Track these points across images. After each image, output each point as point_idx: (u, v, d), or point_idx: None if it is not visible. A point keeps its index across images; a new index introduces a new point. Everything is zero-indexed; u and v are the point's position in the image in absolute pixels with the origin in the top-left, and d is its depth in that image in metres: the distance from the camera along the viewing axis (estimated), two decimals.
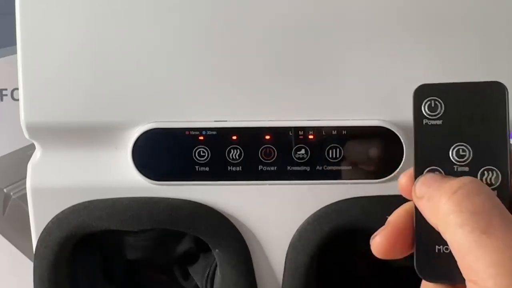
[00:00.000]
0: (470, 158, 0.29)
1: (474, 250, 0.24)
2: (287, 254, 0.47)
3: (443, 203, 0.26)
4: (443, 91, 0.29)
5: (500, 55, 0.43)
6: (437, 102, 0.29)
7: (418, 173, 0.29)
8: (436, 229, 0.27)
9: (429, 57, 0.43)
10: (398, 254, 0.30)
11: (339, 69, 0.43)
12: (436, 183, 0.27)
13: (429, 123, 0.29)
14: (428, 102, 0.29)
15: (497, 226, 0.24)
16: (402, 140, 0.43)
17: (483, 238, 0.24)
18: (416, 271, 0.29)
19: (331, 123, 0.44)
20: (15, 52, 0.43)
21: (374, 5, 0.42)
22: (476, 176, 0.28)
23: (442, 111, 0.29)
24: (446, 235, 0.26)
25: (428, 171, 0.29)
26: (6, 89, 0.88)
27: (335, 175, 0.45)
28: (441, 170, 0.29)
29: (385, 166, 0.44)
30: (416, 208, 0.29)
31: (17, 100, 0.44)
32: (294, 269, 0.47)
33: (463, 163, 0.29)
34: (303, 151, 0.44)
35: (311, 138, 0.44)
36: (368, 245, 0.30)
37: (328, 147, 0.44)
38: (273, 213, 0.46)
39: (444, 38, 0.43)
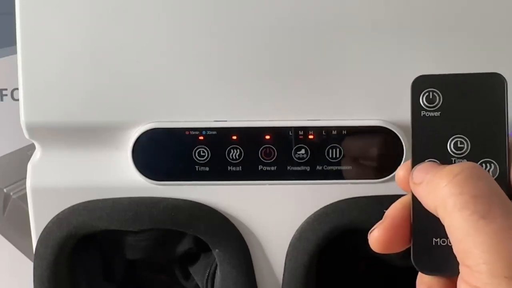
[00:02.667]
0: (468, 151, 0.28)
1: (471, 234, 0.24)
2: (287, 254, 0.47)
3: (442, 186, 0.26)
4: (442, 82, 0.29)
5: (502, 56, 0.43)
6: (435, 94, 0.29)
7: (415, 164, 0.29)
8: (434, 213, 0.27)
9: (429, 57, 0.43)
10: (395, 248, 0.29)
11: (339, 69, 0.43)
12: (435, 169, 0.27)
13: (427, 115, 0.29)
14: (426, 94, 0.29)
15: (496, 212, 0.24)
16: (402, 140, 0.43)
17: (481, 223, 0.24)
18: (413, 263, 0.29)
19: (331, 123, 0.44)
20: (15, 52, 0.43)
21: (375, 5, 0.42)
22: None
23: (440, 102, 0.29)
24: (444, 219, 0.26)
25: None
26: (6, 89, 0.88)
27: (335, 175, 0.45)
28: (438, 163, 0.29)
29: (385, 166, 0.44)
30: (413, 200, 0.29)
31: (17, 100, 0.44)
32: (294, 269, 0.47)
33: (461, 156, 0.29)
34: (303, 151, 0.44)
35: (311, 138, 0.44)
36: (368, 245, 0.30)
37: (328, 147, 0.44)
38: (273, 213, 0.46)
39: (444, 38, 0.43)
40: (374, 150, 0.44)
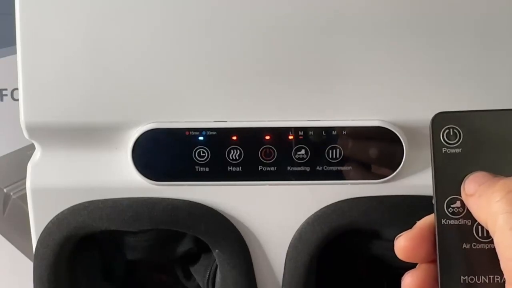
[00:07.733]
0: None
1: None
2: (287, 254, 0.47)
3: (495, 201, 0.25)
4: (461, 119, 0.29)
5: (500, 57, 0.43)
6: (455, 131, 0.29)
7: (439, 202, 0.29)
8: (485, 226, 0.26)
9: (429, 57, 0.43)
10: (419, 259, 0.29)
11: (339, 69, 0.43)
12: (488, 181, 0.27)
13: (448, 152, 0.29)
14: (447, 131, 0.29)
15: None
16: (402, 140, 0.43)
17: None
18: None
19: (331, 123, 0.44)
20: (15, 52, 0.43)
21: (375, 6, 0.42)
22: None
23: (461, 139, 0.29)
24: (493, 234, 0.25)
25: (449, 200, 0.29)
26: (6, 89, 0.88)
27: (335, 176, 0.45)
28: (462, 199, 0.28)
29: (385, 166, 0.44)
30: (439, 237, 0.28)
31: (17, 100, 0.44)
32: (294, 269, 0.47)
33: None
34: (303, 151, 0.44)
35: (311, 138, 0.44)
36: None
37: (328, 147, 0.44)
38: (273, 213, 0.46)
39: (444, 39, 0.43)
40: (374, 151, 0.44)
